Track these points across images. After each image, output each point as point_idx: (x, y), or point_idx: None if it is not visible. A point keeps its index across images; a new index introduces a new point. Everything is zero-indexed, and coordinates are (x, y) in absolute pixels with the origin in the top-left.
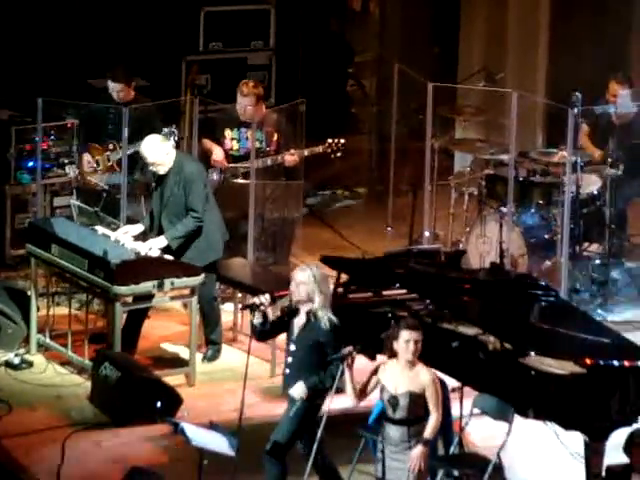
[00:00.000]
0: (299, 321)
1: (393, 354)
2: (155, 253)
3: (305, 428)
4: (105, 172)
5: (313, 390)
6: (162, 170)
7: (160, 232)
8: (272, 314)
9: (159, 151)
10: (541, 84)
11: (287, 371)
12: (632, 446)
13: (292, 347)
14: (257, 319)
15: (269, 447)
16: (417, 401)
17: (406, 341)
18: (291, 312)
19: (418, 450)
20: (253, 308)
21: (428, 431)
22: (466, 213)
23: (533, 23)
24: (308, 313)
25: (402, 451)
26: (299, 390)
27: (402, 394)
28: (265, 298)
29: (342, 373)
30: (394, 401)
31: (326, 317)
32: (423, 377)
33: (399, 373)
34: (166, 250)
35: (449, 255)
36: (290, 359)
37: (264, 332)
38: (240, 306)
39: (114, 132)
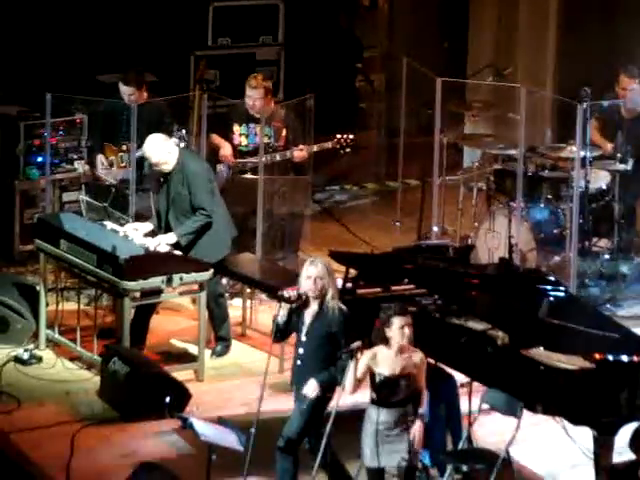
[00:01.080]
0: (310, 312)
1: (385, 341)
2: (164, 249)
3: (316, 421)
4: (119, 170)
5: (326, 385)
6: (167, 168)
7: (167, 230)
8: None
9: (162, 150)
10: (550, 79)
11: (298, 363)
12: (638, 442)
13: (303, 338)
14: (282, 317)
15: (281, 442)
16: (412, 381)
17: (400, 327)
18: (302, 305)
19: (419, 424)
20: (281, 299)
21: (421, 404)
22: (475, 208)
23: (542, 18)
24: (321, 304)
25: (399, 433)
26: (312, 387)
27: (401, 377)
28: (293, 293)
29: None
30: (394, 384)
31: (337, 307)
32: (416, 358)
33: (394, 357)
34: (175, 247)
35: (458, 250)
36: (301, 350)
37: (283, 332)
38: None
39: (128, 130)
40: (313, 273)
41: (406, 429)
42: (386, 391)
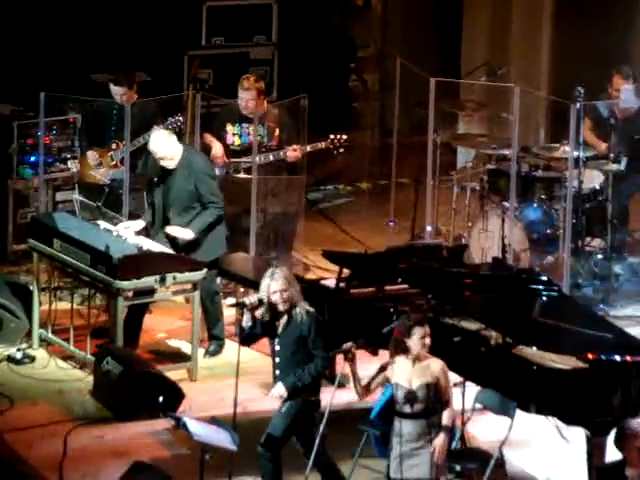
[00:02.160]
0: (281, 321)
1: (403, 350)
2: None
3: (299, 424)
4: (109, 170)
5: (293, 389)
6: (172, 165)
7: (164, 224)
8: (259, 316)
9: (168, 145)
10: (544, 79)
11: (277, 372)
12: (623, 438)
13: (277, 347)
14: (246, 322)
15: (263, 442)
16: (432, 392)
17: (421, 337)
18: (273, 317)
19: (442, 438)
20: (241, 307)
21: (447, 418)
22: (468, 208)
23: (536, 18)
24: (288, 312)
25: (423, 445)
26: (278, 390)
27: (419, 387)
28: (252, 300)
29: (324, 369)
30: (411, 396)
31: (304, 311)
32: (435, 366)
33: (411, 367)
34: (171, 244)
35: (451, 250)
36: (277, 359)
37: (251, 335)
38: (230, 303)
39: (116, 132)
40: (277, 288)
41: (430, 441)
42: (405, 402)
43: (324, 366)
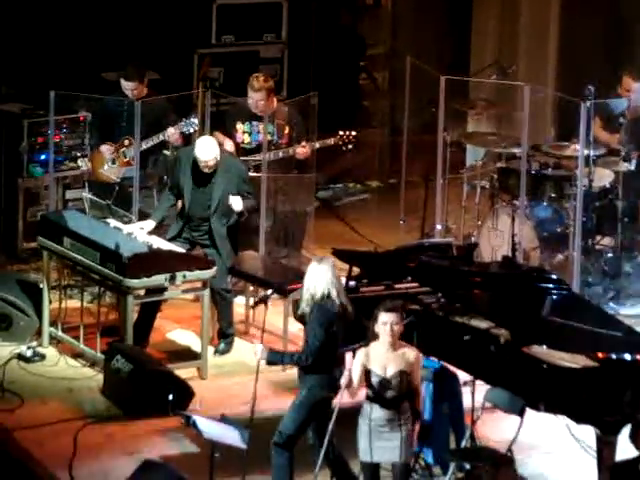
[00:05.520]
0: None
1: (375, 337)
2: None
3: (311, 418)
4: (121, 167)
5: (272, 364)
6: (211, 170)
7: (198, 227)
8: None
9: (216, 151)
10: (553, 77)
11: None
12: (638, 431)
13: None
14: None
15: (276, 437)
16: (405, 379)
17: (383, 323)
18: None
19: (413, 424)
20: (264, 300)
21: (418, 403)
22: (478, 206)
23: (545, 16)
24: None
25: (391, 430)
26: (259, 351)
27: (393, 375)
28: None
29: (299, 363)
30: (386, 382)
31: (328, 304)
32: (409, 355)
33: (385, 354)
34: (188, 245)
35: (461, 248)
36: (302, 343)
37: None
38: (251, 303)
39: (128, 128)
40: (314, 274)
41: (399, 426)
42: (378, 388)
43: (300, 361)
